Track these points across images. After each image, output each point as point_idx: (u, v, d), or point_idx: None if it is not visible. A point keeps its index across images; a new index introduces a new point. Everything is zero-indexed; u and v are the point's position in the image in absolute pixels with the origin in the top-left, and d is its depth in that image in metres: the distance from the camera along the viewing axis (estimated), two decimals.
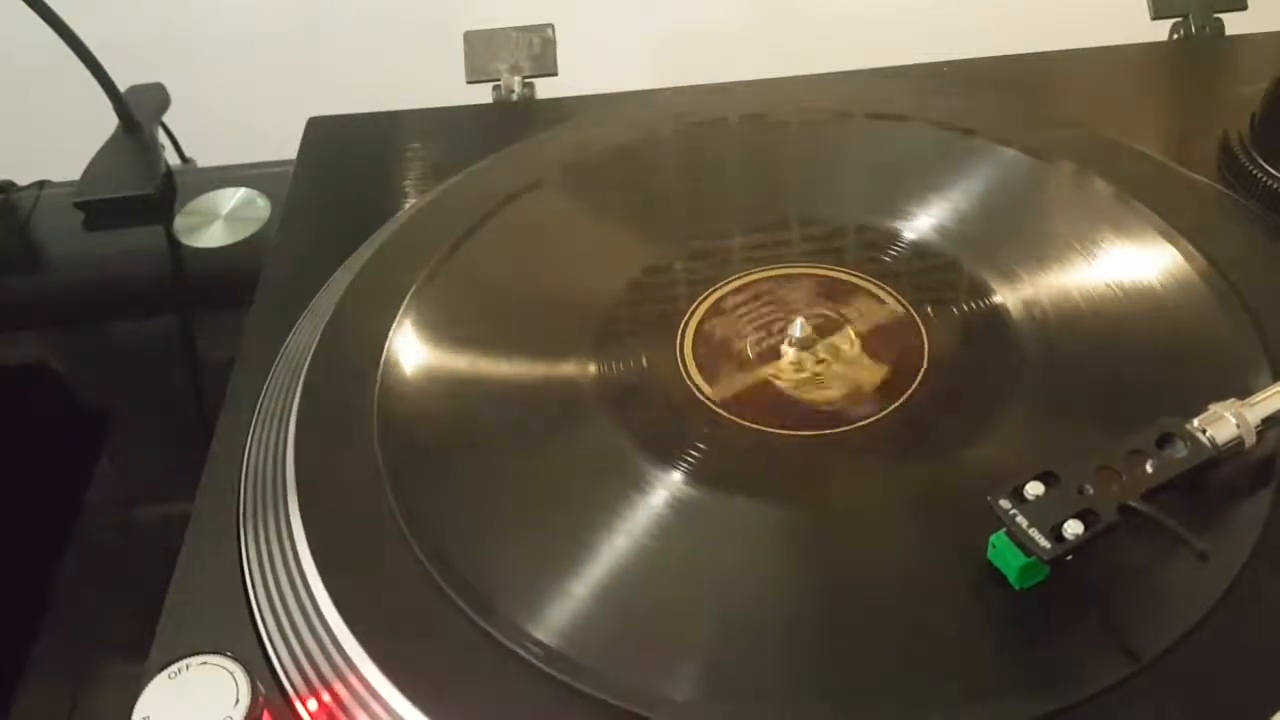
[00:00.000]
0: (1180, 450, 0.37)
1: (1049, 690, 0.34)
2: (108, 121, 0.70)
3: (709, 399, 0.44)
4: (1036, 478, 0.36)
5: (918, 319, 0.47)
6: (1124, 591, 0.36)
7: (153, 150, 0.70)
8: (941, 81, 0.61)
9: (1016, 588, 0.36)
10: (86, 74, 0.66)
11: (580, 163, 0.56)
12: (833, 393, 0.44)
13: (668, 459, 0.42)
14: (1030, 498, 0.36)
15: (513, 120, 0.62)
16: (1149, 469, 0.36)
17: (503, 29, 0.64)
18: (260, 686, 0.34)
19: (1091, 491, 0.36)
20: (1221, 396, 0.39)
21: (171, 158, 0.73)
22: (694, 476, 0.41)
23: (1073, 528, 0.35)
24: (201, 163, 0.76)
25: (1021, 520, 0.35)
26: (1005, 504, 0.36)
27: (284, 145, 0.64)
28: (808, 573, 0.39)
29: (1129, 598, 0.36)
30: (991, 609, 0.36)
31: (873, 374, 0.45)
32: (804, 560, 0.40)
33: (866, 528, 0.40)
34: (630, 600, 0.38)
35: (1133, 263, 0.47)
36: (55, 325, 0.64)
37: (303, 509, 0.41)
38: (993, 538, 0.36)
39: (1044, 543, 0.35)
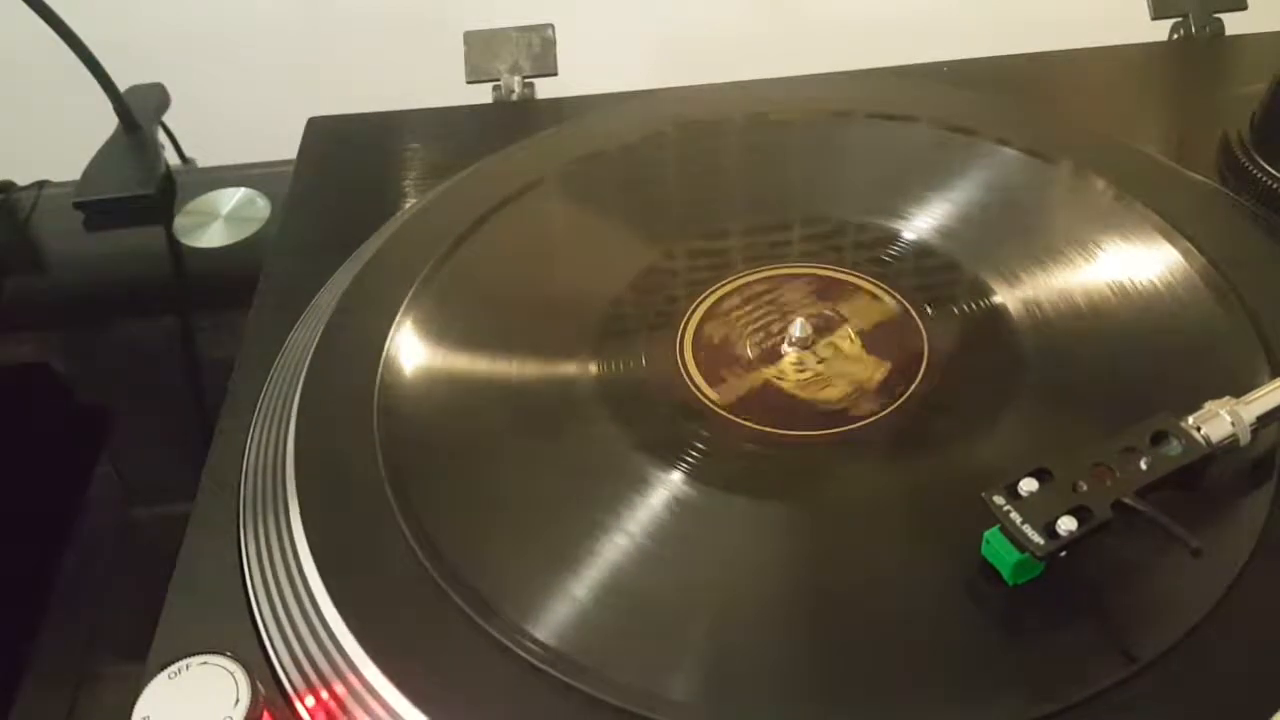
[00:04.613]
0: (1175, 447, 0.37)
1: (1048, 691, 0.34)
2: (108, 121, 0.70)
3: (711, 402, 0.44)
4: (1031, 474, 0.36)
5: (916, 317, 0.47)
6: (1125, 591, 0.36)
7: (153, 150, 0.70)
8: (941, 81, 0.61)
9: (1010, 584, 0.36)
10: (86, 74, 0.66)
11: (580, 163, 0.56)
12: (835, 391, 0.44)
13: (668, 459, 0.42)
14: (1024, 494, 0.36)
15: (513, 120, 0.62)
16: (1143, 466, 0.36)
17: (503, 29, 0.64)
18: (260, 686, 0.34)
19: (1085, 488, 0.36)
20: (1221, 396, 0.39)
21: (171, 158, 0.73)
22: (694, 477, 0.41)
23: (1066, 524, 0.35)
24: (201, 163, 0.76)
25: (1015, 516, 0.35)
26: (999, 500, 0.36)
27: (284, 145, 0.64)
28: (806, 572, 0.39)
29: (1130, 597, 0.36)
30: (989, 607, 0.36)
31: (875, 370, 0.45)
32: (802, 560, 0.40)
33: (865, 527, 0.40)
34: (630, 600, 0.38)
35: (1132, 262, 0.47)
36: (55, 325, 0.64)
37: (303, 509, 0.41)
38: (986, 534, 0.36)
39: (1037, 539, 0.35)
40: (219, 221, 0.66)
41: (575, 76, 0.64)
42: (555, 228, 0.54)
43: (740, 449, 0.42)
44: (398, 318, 0.47)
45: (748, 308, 0.48)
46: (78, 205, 0.67)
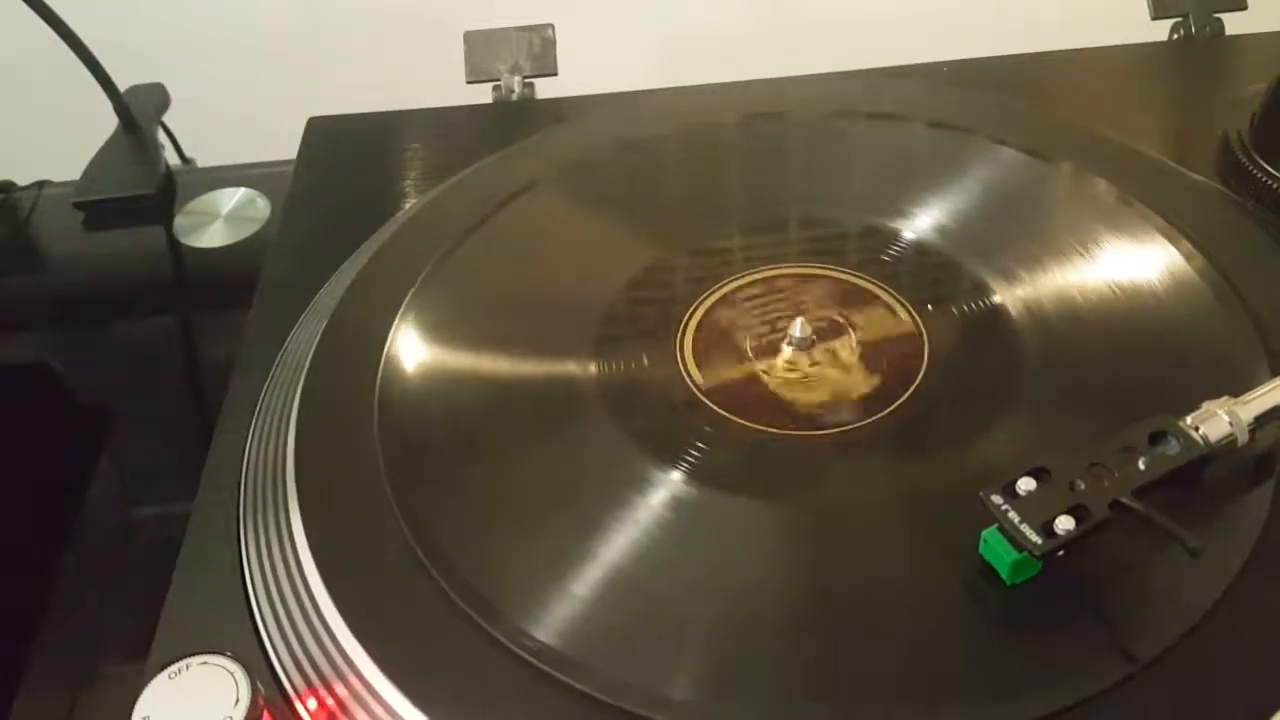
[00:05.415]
0: (1173, 447, 0.37)
1: (1047, 690, 0.34)
2: (108, 121, 0.70)
3: (711, 401, 0.44)
4: (1029, 473, 0.36)
5: (915, 316, 0.47)
6: (1124, 591, 0.36)
7: (153, 150, 0.70)
8: (941, 81, 0.61)
9: (1008, 583, 0.36)
10: (86, 74, 0.66)
11: (580, 163, 0.56)
12: (816, 396, 0.44)
13: (668, 459, 0.42)
14: (1022, 493, 0.36)
15: (513, 120, 0.62)
16: (1141, 465, 0.37)
17: (503, 29, 0.64)
18: (260, 686, 0.34)
19: (1083, 487, 0.36)
20: (1219, 396, 0.39)
21: (171, 158, 0.73)
22: (694, 476, 0.41)
23: (1064, 523, 0.35)
24: (201, 163, 0.76)
25: (1013, 515, 0.35)
26: (997, 499, 0.36)
27: (284, 145, 0.64)
28: (805, 572, 0.39)
29: (1129, 597, 0.36)
30: (987, 607, 0.36)
31: (861, 384, 0.45)
32: (802, 560, 0.40)
33: (864, 526, 0.40)
34: (630, 600, 0.38)
35: (1132, 262, 0.47)
36: (55, 325, 0.64)
37: (303, 509, 0.41)
38: (984, 533, 0.36)
39: (1035, 538, 0.35)
40: (219, 221, 0.66)
41: (575, 76, 0.64)
42: (555, 227, 0.54)
43: (740, 448, 0.42)
44: (398, 318, 0.47)
45: (747, 308, 0.48)
46: (78, 205, 0.67)
